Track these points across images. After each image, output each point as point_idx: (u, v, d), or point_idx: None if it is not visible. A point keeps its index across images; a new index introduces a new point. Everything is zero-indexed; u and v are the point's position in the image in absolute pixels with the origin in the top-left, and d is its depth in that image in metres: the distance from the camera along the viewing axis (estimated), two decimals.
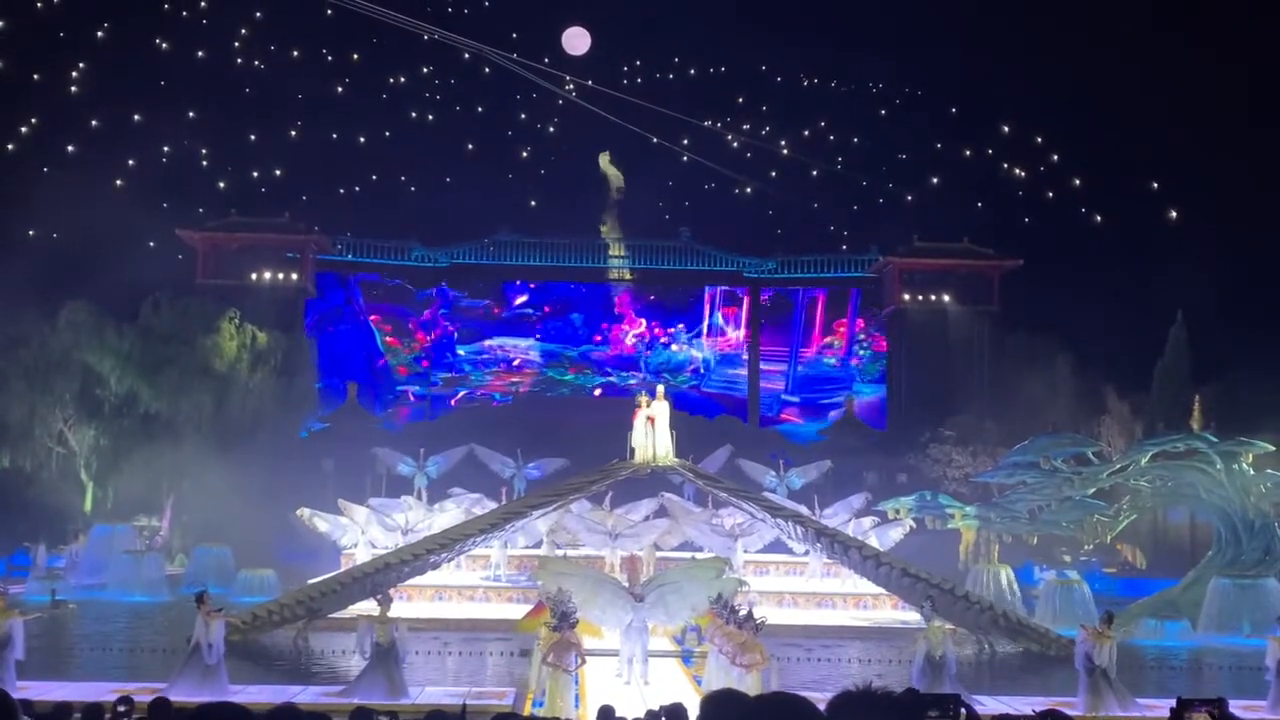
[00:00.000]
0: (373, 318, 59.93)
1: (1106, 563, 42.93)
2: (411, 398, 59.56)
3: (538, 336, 60.84)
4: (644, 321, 62.12)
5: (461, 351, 60.58)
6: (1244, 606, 29.29)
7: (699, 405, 58.91)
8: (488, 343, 60.74)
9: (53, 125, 56.52)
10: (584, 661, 18.36)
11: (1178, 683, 22.56)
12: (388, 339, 60.14)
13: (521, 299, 61.27)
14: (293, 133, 63.95)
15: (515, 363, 60.94)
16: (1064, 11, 58.82)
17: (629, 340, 61.76)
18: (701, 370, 62.02)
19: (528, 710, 17.64)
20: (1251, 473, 31.79)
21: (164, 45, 61.97)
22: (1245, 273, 47.69)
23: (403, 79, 68.22)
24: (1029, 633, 26.42)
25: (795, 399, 60.81)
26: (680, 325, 62.38)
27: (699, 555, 33.50)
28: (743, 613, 18.93)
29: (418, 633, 23.48)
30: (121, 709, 12.08)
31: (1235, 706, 15.94)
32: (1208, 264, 45.79)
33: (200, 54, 62.89)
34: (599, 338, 61.66)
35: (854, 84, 69.57)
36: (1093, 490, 33.05)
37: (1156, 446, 32.92)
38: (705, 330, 62.31)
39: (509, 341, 60.99)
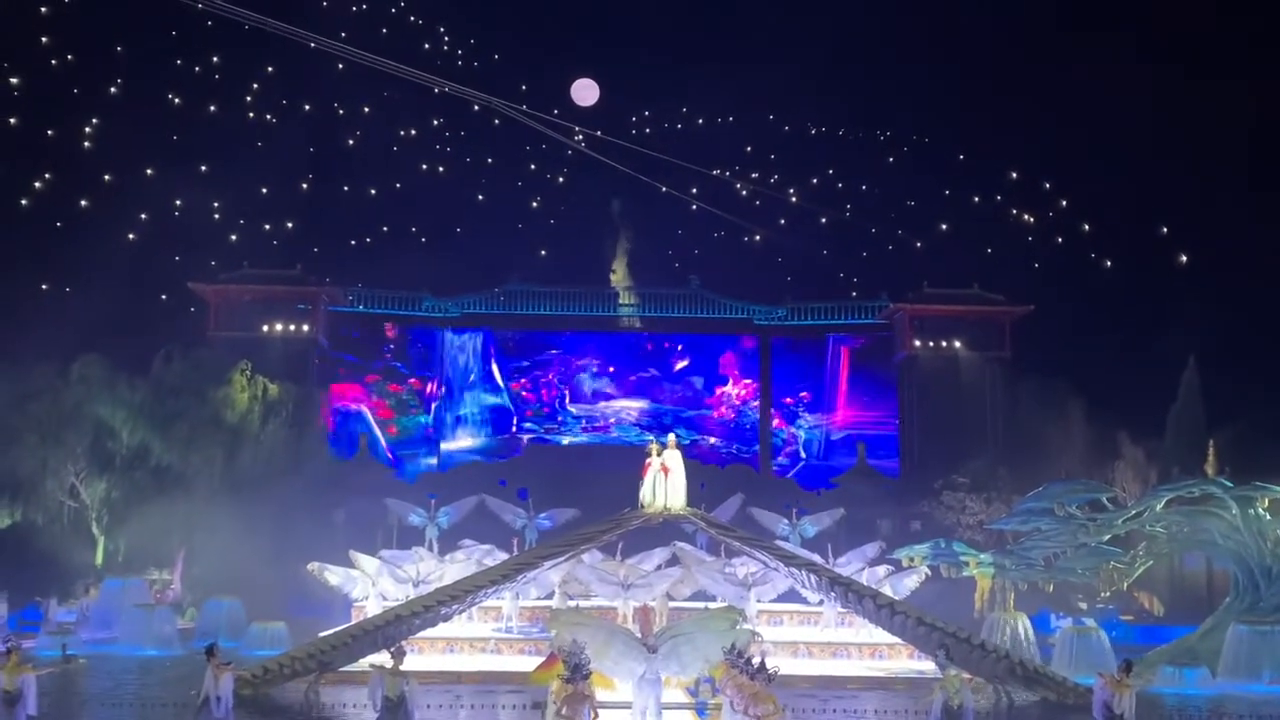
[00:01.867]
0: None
1: (1123, 610, 42.57)
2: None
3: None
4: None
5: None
6: (1263, 653, 28.94)
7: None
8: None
9: (66, 181, 56.96)
10: (597, 714, 18.16)
11: None
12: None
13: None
14: (304, 185, 64.44)
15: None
16: (1071, 58, 59.12)
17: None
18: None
19: None
20: (1268, 518, 31.51)
21: (176, 100, 62.56)
22: (1257, 316, 47.58)
23: (413, 131, 68.74)
24: (1046, 681, 26.12)
25: None
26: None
27: (712, 605, 33.26)
28: (756, 663, 18.72)
29: (429, 685, 23.29)
30: None
31: None
32: (1219, 307, 45.72)
33: (212, 108, 63.47)
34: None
35: (862, 131, 69.96)
36: (1108, 537, 32.79)
37: (1171, 492, 32.67)
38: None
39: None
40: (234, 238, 61.23)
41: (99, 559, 43.30)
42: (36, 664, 20.16)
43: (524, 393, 61.79)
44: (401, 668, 19.44)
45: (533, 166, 69.15)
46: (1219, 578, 40.02)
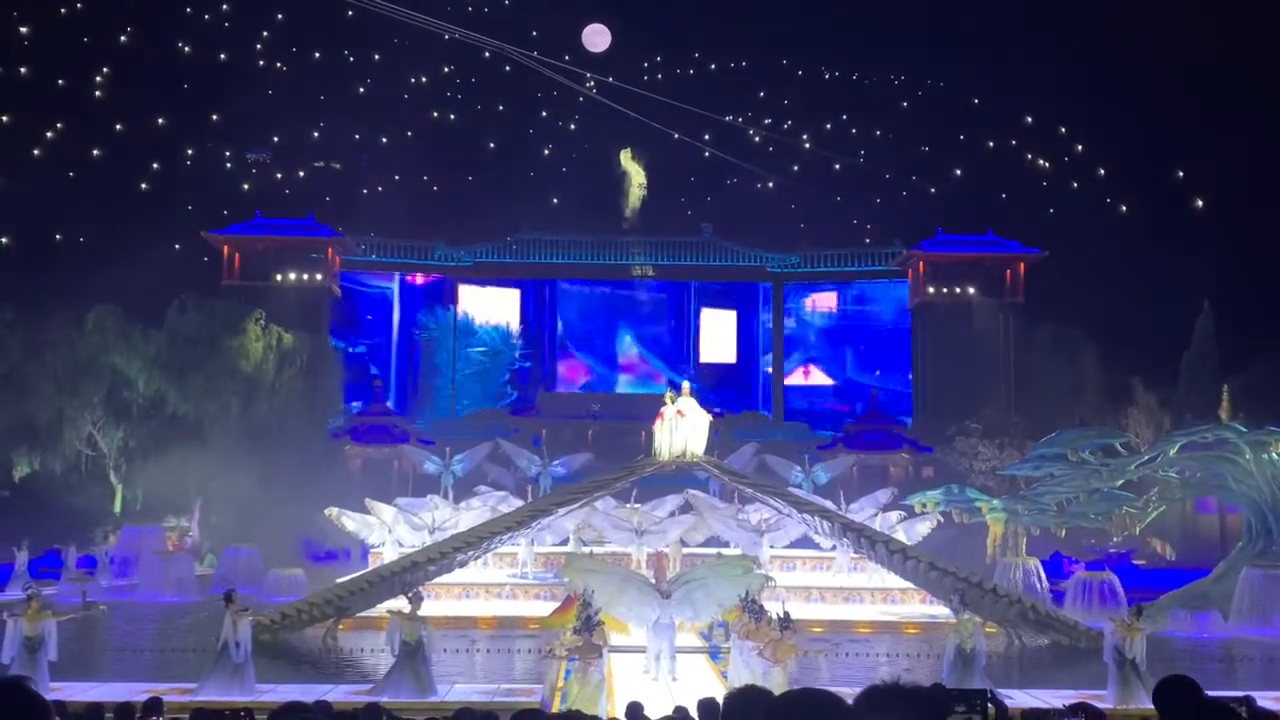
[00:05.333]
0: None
1: (1136, 555, 42.69)
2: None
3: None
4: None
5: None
6: (1275, 597, 29.05)
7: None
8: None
9: (77, 130, 56.87)
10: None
11: (1209, 675, 22.38)
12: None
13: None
14: (315, 134, 64.21)
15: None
16: (1086, 1, 58.46)
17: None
18: None
19: (556, 707, 17.62)
20: None
21: (186, 49, 62.29)
22: (1272, 261, 47.33)
23: (424, 79, 68.38)
24: (1058, 625, 26.26)
25: None
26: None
27: (725, 551, 33.46)
28: (778, 615, 18.80)
29: (445, 630, 23.51)
30: None
31: (1268, 698, 15.83)
32: (1234, 253, 45.49)
33: (222, 56, 63.19)
34: None
35: (875, 76, 69.35)
36: (1121, 482, 32.84)
37: (1185, 437, 32.67)
38: None
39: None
40: (246, 187, 61.17)
41: (117, 507, 43.69)
42: (57, 610, 20.39)
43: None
44: (419, 613, 19.64)
45: (544, 114, 68.80)
46: (1232, 522, 40.07)
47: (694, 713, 10.80)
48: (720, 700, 9.55)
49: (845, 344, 62.66)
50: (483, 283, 61.37)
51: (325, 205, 59.16)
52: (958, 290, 56.83)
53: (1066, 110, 62.89)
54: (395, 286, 61.20)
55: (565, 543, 35.70)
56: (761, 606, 19.80)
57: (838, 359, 62.77)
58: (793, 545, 35.58)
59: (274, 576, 35.06)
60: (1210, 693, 9.71)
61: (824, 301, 62.77)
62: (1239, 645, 26.55)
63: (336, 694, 18.21)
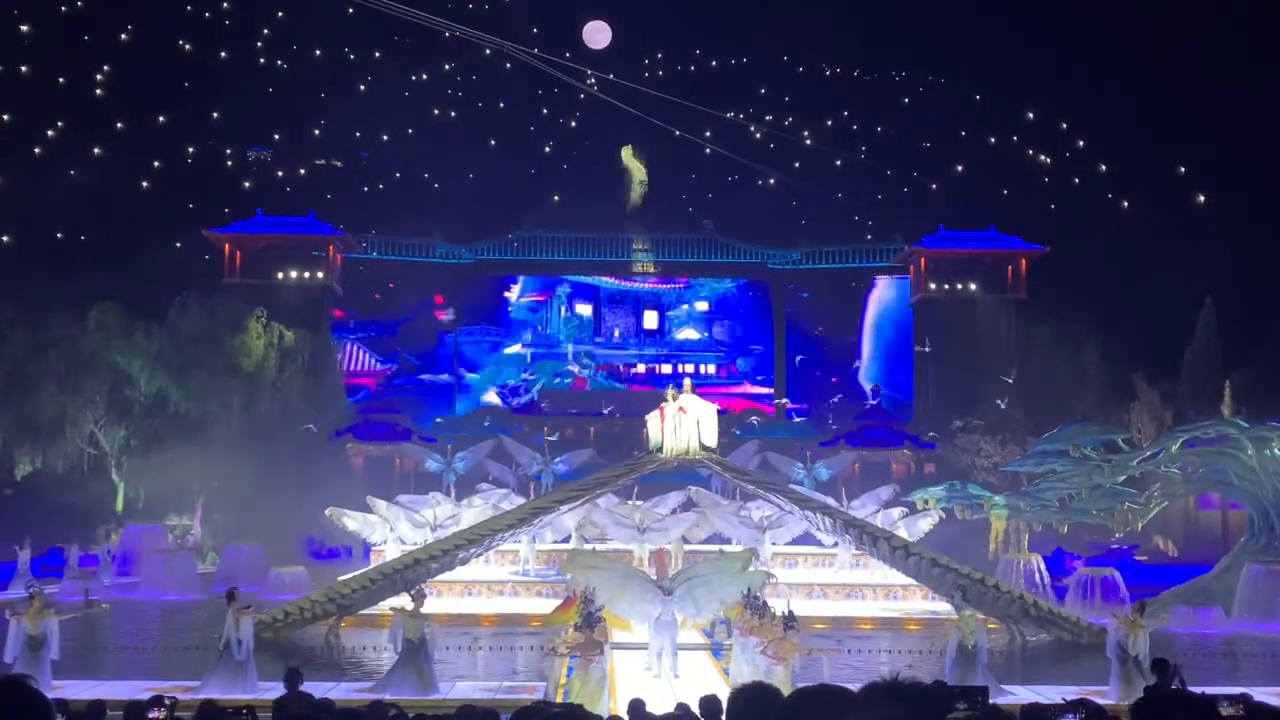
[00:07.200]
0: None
1: (1138, 551, 42.62)
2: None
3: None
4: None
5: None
6: (1278, 592, 29.04)
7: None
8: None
9: (77, 128, 56.86)
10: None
11: (1212, 671, 22.38)
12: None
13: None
14: (316, 131, 64.21)
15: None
16: None
17: None
18: None
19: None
20: None
21: (187, 46, 62.30)
22: (1274, 257, 47.27)
23: (425, 76, 68.37)
24: (1060, 622, 26.24)
25: None
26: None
27: (727, 548, 33.44)
28: (783, 613, 18.77)
29: (448, 628, 23.53)
30: (156, 714, 12.02)
31: (1271, 694, 15.84)
32: (1236, 248, 45.40)
33: (223, 54, 63.20)
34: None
35: (877, 72, 69.29)
36: (1123, 478, 32.80)
37: (1187, 433, 32.65)
38: None
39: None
40: (247, 184, 61.18)
41: (119, 505, 43.71)
42: (59, 609, 20.41)
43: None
44: (421, 610, 19.65)
45: (545, 111, 68.76)
46: (1234, 518, 40.06)
47: (696, 710, 10.80)
48: (723, 698, 9.53)
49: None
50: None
51: (326, 203, 59.17)
52: (959, 286, 56.81)
53: (1067, 106, 62.85)
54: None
55: (567, 540, 35.69)
56: (765, 603, 19.79)
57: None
58: (795, 542, 35.55)
59: (276, 574, 35.03)
60: (1211, 689, 9.69)
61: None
62: (1241, 641, 26.55)
63: (339, 692, 18.23)
